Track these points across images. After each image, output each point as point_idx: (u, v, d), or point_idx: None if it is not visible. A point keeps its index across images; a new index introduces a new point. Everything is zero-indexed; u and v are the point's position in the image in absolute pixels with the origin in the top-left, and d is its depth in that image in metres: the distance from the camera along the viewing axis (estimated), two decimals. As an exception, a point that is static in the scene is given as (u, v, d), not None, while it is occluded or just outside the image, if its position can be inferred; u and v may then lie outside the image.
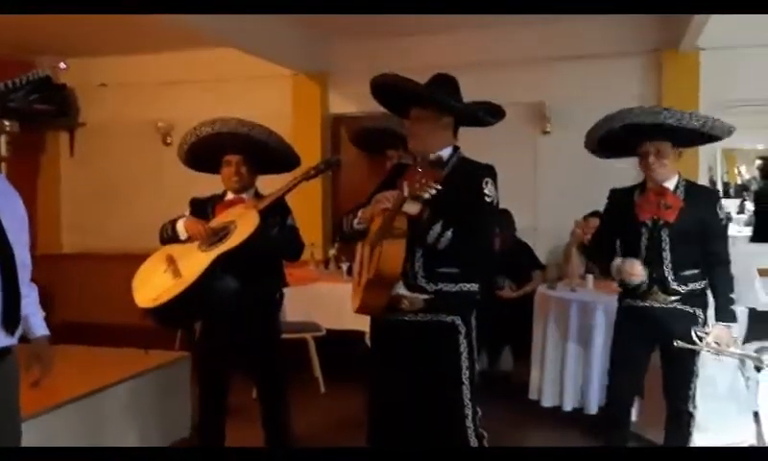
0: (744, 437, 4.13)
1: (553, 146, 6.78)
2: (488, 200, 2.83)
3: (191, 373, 4.50)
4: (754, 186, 9.06)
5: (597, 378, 4.72)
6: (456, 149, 3.03)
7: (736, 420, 3.77)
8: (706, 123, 3.26)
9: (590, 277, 5.14)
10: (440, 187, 2.56)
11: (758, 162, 9.14)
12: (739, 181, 12.04)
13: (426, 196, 2.58)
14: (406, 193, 2.63)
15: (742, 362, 4.39)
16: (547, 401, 4.96)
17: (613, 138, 3.49)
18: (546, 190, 6.67)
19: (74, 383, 3.89)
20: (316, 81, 7.34)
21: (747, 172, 9.96)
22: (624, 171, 6.43)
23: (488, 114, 3.03)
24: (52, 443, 3.40)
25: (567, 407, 4.85)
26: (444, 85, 2.99)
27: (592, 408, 4.74)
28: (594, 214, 5.53)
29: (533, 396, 5.08)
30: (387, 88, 3.03)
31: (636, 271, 3.37)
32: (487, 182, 2.85)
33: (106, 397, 3.93)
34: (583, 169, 6.62)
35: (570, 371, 4.83)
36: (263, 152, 3.60)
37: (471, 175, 2.73)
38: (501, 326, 5.85)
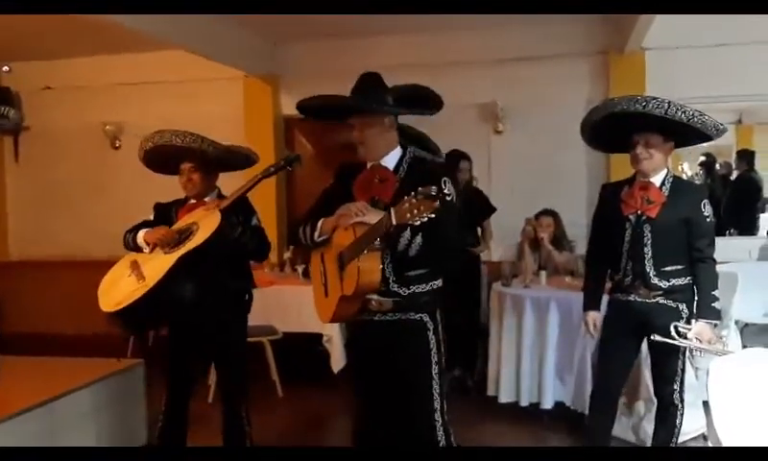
0: (697, 427, 4.24)
1: (505, 145, 6.89)
2: (449, 199, 2.82)
3: (145, 380, 4.44)
4: (698, 182, 9.30)
5: (552, 373, 4.80)
6: (405, 148, 2.99)
7: (690, 411, 3.85)
8: (692, 117, 3.16)
9: (543, 273, 5.21)
10: (434, 216, 2.47)
11: (702, 159, 9.40)
12: (684, 179, 12.38)
13: (417, 223, 2.50)
14: (394, 221, 2.53)
15: (691, 353, 4.51)
16: (505, 397, 5.01)
17: (602, 131, 3.43)
18: (499, 188, 6.74)
19: (25, 394, 3.79)
20: (267, 82, 7.27)
21: (690, 169, 10.24)
22: (576, 170, 6.63)
23: (422, 100, 2.99)
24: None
25: (524, 402, 4.90)
26: (373, 86, 2.92)
27: (548, 403, 4.80)
28: (546, 212, 5.62)
29: (491, 392, 5.13)
30: (316, 110, 3.02)
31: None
32: (446, 182, 2.84)
33: (59, 406, 3.83)
34: (534, 168, 6.77)
35: (526, 366, 4.88)
36: (215, 162, 3.62)
37: (429, 176, 2.71)
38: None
